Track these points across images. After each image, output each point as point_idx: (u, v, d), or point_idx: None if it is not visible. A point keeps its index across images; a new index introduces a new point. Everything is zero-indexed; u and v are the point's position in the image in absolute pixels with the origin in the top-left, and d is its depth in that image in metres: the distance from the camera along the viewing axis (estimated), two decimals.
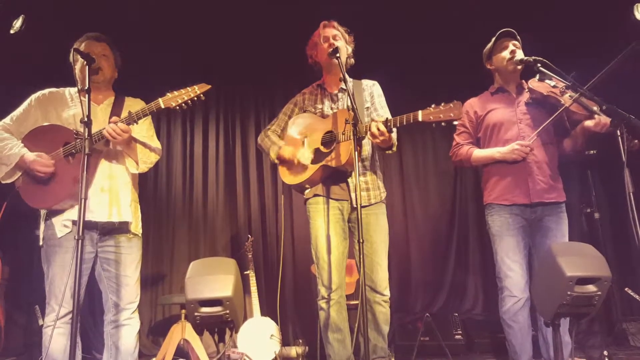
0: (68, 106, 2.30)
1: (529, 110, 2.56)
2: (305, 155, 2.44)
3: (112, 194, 2.23)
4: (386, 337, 2.41)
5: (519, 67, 2.52)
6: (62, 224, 2.16)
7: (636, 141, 2.28)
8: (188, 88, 2.12)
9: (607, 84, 2.29)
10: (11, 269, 3.58)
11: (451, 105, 2.07)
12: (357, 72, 2.63)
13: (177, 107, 2.11)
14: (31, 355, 3.46)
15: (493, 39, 2.60)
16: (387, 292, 2.39)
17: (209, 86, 2.13)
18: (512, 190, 2.50)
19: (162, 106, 2.11)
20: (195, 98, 2.11)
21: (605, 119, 2.31)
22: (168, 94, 2.12)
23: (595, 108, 2.30)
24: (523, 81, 2.62)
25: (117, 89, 2.46)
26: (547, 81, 2.43)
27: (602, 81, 2.28)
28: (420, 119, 2.11)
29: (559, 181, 2.55)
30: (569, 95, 2.39)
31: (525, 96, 2.58)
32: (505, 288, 2.46)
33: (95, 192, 2.19)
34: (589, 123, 2.38)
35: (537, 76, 2.45)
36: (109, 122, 2.14)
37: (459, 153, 2.68)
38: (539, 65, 2.37)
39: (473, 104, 2.69)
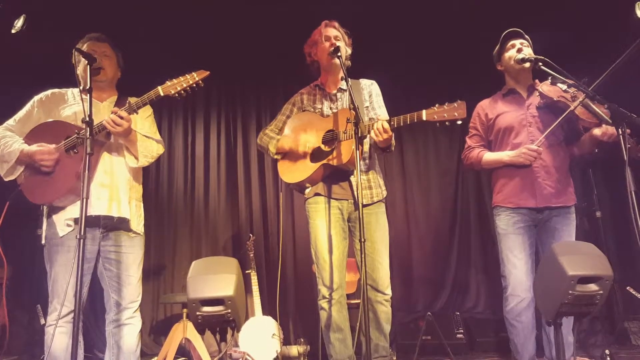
0: (70, 105, 2.31)
1: (539, 113, 2.54)
2: (309, 139, 2.42)
3: (112, 189, 2.23)
4: (388, 336, 2.41)
5: (527, 65, 2.49)
6: (65, 223, 2.16)
7: None
8: (187, 75, 2.11)
9: (616, 80, 2.27)
10: (13, 268, 3.59)
11: (455, 104, 2.07)
12: (356, 71, 2.63)
13: (177, 95, 2.11)
14: (33, 354, 3.47)
15: (500, 40, 2.59)
16: (389, 291, 2.40)
17: (207, 72, 2.12)
18: (518, 194, 2.50)
19: (162, 94, 2.11)
20: (194, 85, 2.11)
21: (612, 129, 2.29)
22: (167, 81, 2.12)
23: (606, 116, 2.27)
24: (536, 81, 2.60)
25: (121, 89, 2.46)
26: (559, 85, 2.40)
27: (612, 77, 2.25)
28: (424, 118, 2.11)
29: (569, 184, 2.54)
30: (579, 100, 2.36)
31: (537, 98, 2.55)
32: (508, 286, 2.45)
33: (96, 187, 2.18)
34: (596, 132, 2.38)
35: (550, 79, 2.42)
36: (112, 112, 2.14)
37: (470, 156, 2.68)
38: (540, 64, 2.36)
39: (484, 106, 2.69)
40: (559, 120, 2.41)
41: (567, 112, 2.37)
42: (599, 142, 2.41)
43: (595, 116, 2.33)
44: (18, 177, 2.22)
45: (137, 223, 2.32)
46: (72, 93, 2.36)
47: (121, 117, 2.09)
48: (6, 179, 2.22)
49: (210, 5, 3.90)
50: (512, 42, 2.56)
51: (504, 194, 2.56)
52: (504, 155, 2.54)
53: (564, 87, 2.41)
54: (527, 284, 2.42)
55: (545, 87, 2.47)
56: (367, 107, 2.55)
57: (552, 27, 3.75)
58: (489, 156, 2.61)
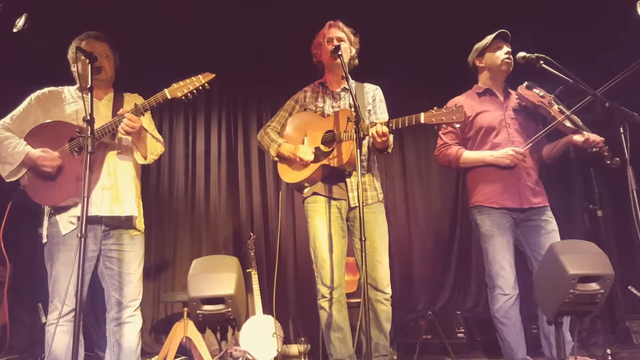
0: (69, 103, 2.31)
1: (516, 115, 2.60)
2: (306, 152, 2.43)
3: (115, 189, 2.24)
4: (388, 335, 2.41)
5: (507, 69, 2.56)
6: (68, 221, 2.17)
7: (617, 159, 2.33)
8: (193, 78, 2.13)
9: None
10: (14, 267, 3.58)
11: (453, 108, 2.11)
12: (357, 73, 2.63)
13: (183, 97, 2.13)
14: (34, 353, 3.47)
15: (492, 36, 2.60)
16: (389, 290, 2.40)
17: (213, 75, 2.14)
18: (501, 194, 2.51)
19: (169, 97, 2.13)
20: (200, 87, 2.12)
21: (595, 137, 2.39)
22: (173, 84, 2.14)
23: (581, 124, 2.39)
24: (506, 84, 2.66)
25: (116, 85, 2.46)
26: (535, 90, 2.49)
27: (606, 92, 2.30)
28: (422, 121, 2.13)
29: (542, 185, 2.59)
30: (558, 108, 2.44)
31: (513, 100, 2.61)
32: (497, 287, 2.46)
33: (99, 187, 2.19)
34: (577, 138, 2.43)
35: (525, 84, 2.51)
36: (117, 115, 2.15)
37: (446, 153, 2.65)
38: (541, 62, 2.37)
39: (461, 103, 2.69)
40: (547, 128, 2.45)
41: (555, 122, 2.42)
42: (578, 148, 2.47)
43: (574, 124, 2.43)
44: (22, 177, 2.22)
45: (140, 220, 2.34)
46: (68, 91, 2.36)
47: (132, 121, 2.11)
48: (8, 180, 2.22)
49: (212, 3, 3.90)
50: (500, 43, 2.59)
51: (485, 194, 2.55)
52: (487, 155, 2.54)
53: (541, 93, 2.49)
54: (513, 281, 2.44)
55: (525, 90, 2.53)
56: (369, 110, 2.55)
57: (552, 25, 3.76)
58: (469, 155, 2.60)
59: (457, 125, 2.14)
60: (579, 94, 2.33)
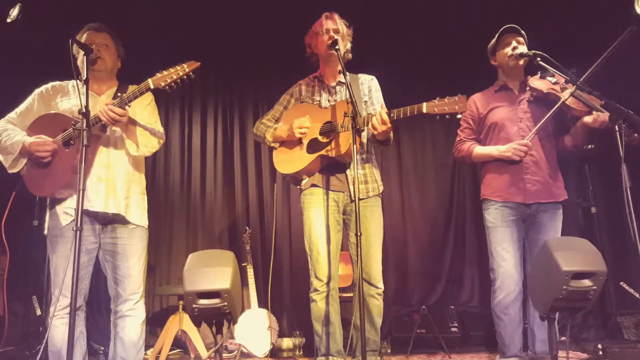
0: (68, 98, 2.30)
1: (530, 108, 2.56)
2: (304, 123, 2.40)
3: (109, 183, 2.23)
4: (379, 330, 2.42)
5: (521, 62, 2.52)
6: (64, 212, 2.17)
7: (636, 135, 2.29)
8: (177, 67, 2.09)
9: (609, 71, 2.27)
10: (10, 259, 3.57)
11: (456, 98, 2.09)
12: (354, 64, 2.62)
13: (167, 87, 2.09)
14: (29, 345, 3.47)
15: (496, 35, 2.59)
16: (381, 285, 2.41)
17: (198, 64, 2.09)
18: (507, 188, 2.52)
19: (152, 86, 2.10)
20: (185, 77, 2.08)
21: (604, 116, 2.32)
22: (157, 73, 2.10)
23: (596, 104, 2.27)
24: (528, 77, 2.61)
25: (121, 78, 2.44)
26: (548, 78, 2.44)
27: (603, 67, 2.26)
28: (424, 111, 2.12)
29: (558, 179, 2.56)
30: (569, 92, 2.39)
31: (528, 94, 2.57)
32: (497, 279, 2.47)
33: (92, 180, 2.19)
34: (587, 119, 2.40)
35: (539, 73, 2.47)
36: (105, 106, 2.13)
37: (461, 149, 2.70)
38: (538, 59, 2.36)
39: (476, 100, 2.70)
40: (550, 113, 2.43)
41: (559, 104, 2.39)
42: (591, 129, 2.42)
43: (586, 104, 2.35)
44: (21, 169, 2.22)
45: (141, 216, 2.32)
46: (72, 85, 2.35)
47: (116, 113, 2.08)
48: (10, 171, 2.22)
49: None
50: (508, 39, 2.56)
51: (492, 187, 2.58)
52: (494, 149, 2.56)
53: (553, 80, 2.44)
54: (515, 277, 2.44)
55: (535, 81, 2.49)
56: (365, 101, 2.55)
57: (552, 22, 3.75)
58: (479, 150, 2.63)
59: (459, 116, 2.13)
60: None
